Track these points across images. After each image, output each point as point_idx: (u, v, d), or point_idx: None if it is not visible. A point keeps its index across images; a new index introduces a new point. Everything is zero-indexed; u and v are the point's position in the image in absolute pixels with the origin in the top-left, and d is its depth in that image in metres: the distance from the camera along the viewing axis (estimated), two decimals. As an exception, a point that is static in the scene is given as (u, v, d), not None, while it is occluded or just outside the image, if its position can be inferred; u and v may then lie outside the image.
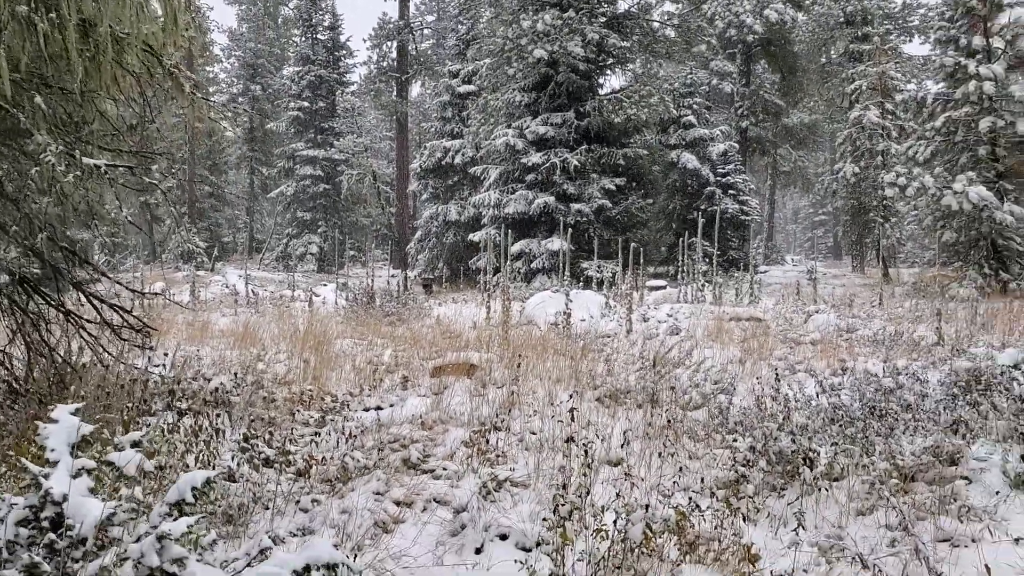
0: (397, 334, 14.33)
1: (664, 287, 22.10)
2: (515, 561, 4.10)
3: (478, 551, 4.45)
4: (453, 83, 34.50)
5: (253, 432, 6.10)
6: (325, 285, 25.91)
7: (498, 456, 5.77)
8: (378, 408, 8.24)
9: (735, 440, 5.24)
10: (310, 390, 8.43)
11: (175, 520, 3.31)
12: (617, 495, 3.74)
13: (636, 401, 7.82)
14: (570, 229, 21.76)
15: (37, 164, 6.32)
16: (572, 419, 4.75)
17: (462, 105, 34.01)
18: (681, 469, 4.52)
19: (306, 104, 41.28)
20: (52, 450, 3.32)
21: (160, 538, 3.11)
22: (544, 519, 3.83)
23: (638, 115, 25.05)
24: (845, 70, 34.02)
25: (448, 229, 33.45)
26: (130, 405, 5.97)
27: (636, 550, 3.43)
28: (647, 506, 3.46)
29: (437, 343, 12.70)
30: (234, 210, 53.08)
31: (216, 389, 7.77)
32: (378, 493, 5.20)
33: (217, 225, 47.63)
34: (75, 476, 3.31)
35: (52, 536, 3.13)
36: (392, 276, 31.41)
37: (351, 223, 43.61)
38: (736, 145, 31.66)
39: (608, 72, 27.65)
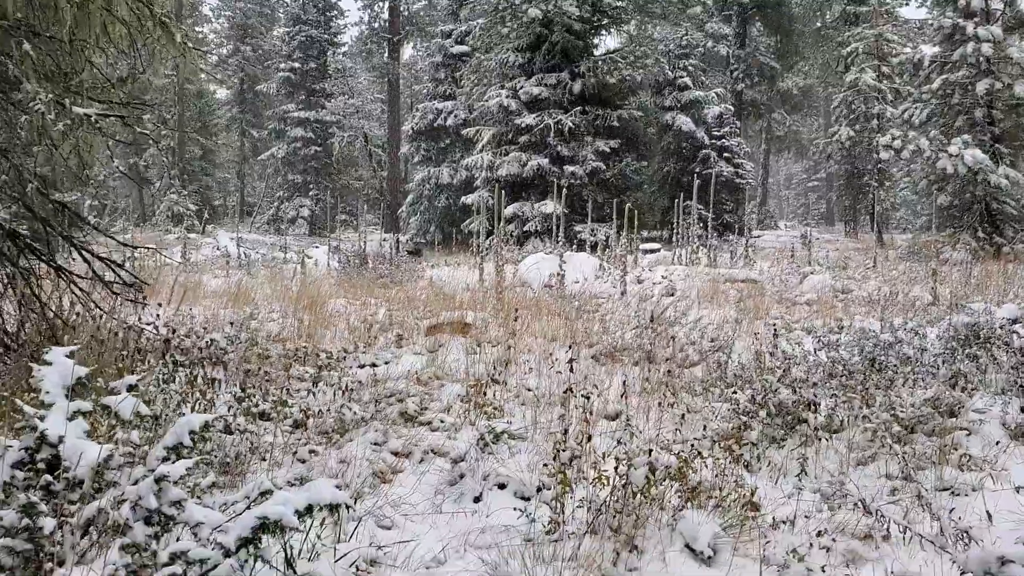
0: (391, 295, 14.26)
1: (658, 250, 22.04)
2: (514, 509, 4.07)
3: (477, 500, 4.43)
4: (446, 43, 34.12)
5: (249, 385, 6.07)
6: (317, 247, 25.77)
7: (496, 409, 5.73)
8: (373, 365, 8.19)
9: (734, 392, 5.21)
10: (304, 347, 8.38)
11: (173, 464, 3.27)
12: (618, 442, 3.71)
13: (632, 359, 7.80)
14: (564, 192, 21.63)
15: (26, 113, 6.21)
16: (571, 370, 4.71)
17: (455, 66, 33.66)
18: (684, 416, 4.49)
19: (297, 65, 40.80)
20: (47, 392, 3.27)
21: (158, 480, 3.07)
22: (545, 465, 3.80)
23: (633, 76, 24.84)
24: (841, 33, 33.76)
25: (440, 192, 33.26)
26: (125, 354, 5.91)
27: (638, 495, 3.40)
28: (650, 451, 3.44)
29: (431, 304, 12.65)
30: (224, 173, 52.62)
31: (210, 344, 7.70)
32: (376, 444, 5.17)
33: (207, 188, 47.21)
34: (71, 419, 3.26)
35: (48, 478, 3.09)
36: (384, 240, 31.18)
37: (342, 186, 43.31)
38: (731, 108, 31.45)
39: (603, 32, 27.38)
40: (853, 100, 28.63)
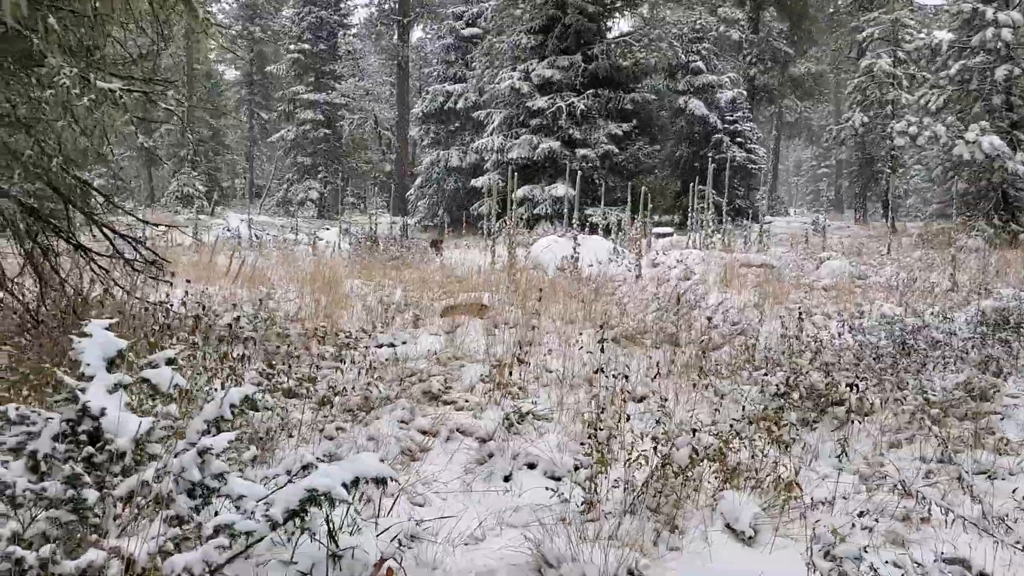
0: (404, 277, 14.25)
1: (671, 234, 21.96)
2: (546, 488, 4.06)
3: (506, 479, 4.42)
4: (457, 25, 33.93)
5: (273, 363, 6.06)
6: (328, 229, 25.79)
7: (520, 390, 5.71)
8: (391, 345, 8.19)
9: (765, 375, 5.18)
10: (323, 327, 8.38)
11: (215, 437, 3.26)
12: (657, 422, 3.68)
13: (653, 341, 7.77)
14: (575, 175, 21.55)
15: (51, 88, 6.17)
16: (602, 350, 4.68)
17: (466, 48, 33.49)
18: (722, 397, 4.46)
19: (307, 46, 40.60)
20: (88, 364, 3.25)
21: (201, 452, 3.06)
22: (583, 443, 3.77)
23: (647, 59, 24.70)
24: (855, 18, 33.47)
25: (449, 175, 33.16)
26: (155, 329, 5.91)
27: (680, 475, 3.38)
28: (694, 431, 3.42)
29: (445, 286, 12.64)
30: (234, 155, 52.54)
31: (230, 324, 7.70)
32: (403, 422, 5.16)
33: (217, 169, 47.13)
34: (111, 391, 3.24)
35: (91, 450, 3.07)
36: (392, 223, 31.16)
37: (351, 169, 43.21)
38: (744, 92, 31.26)
39: (616, 15, 27.20)
40: (867, 86, 28.41)
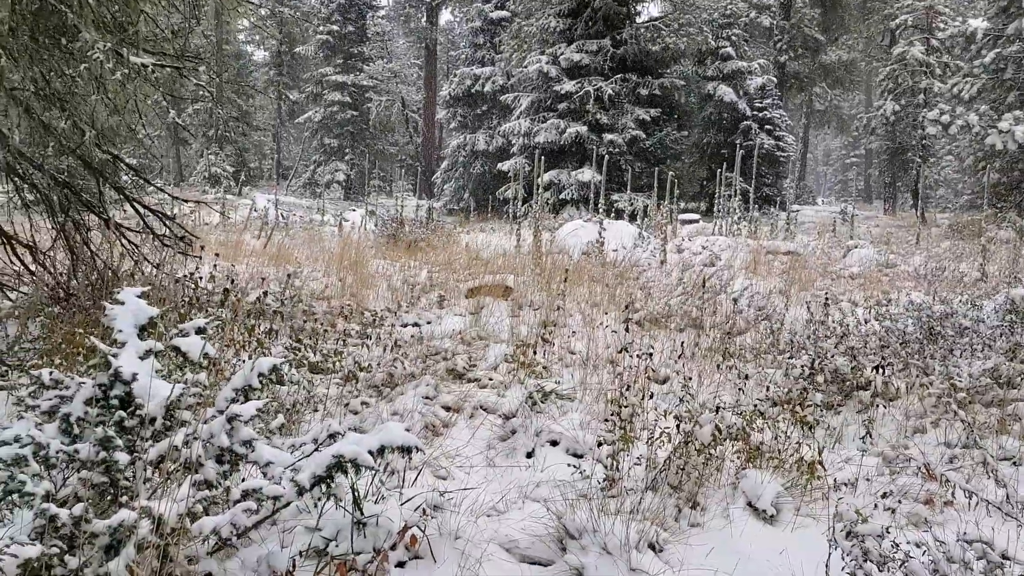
0: (428, 259, 14.32)
1: (697, 221, 21.85)
2: (568, 465, 4.08)
3: (529, 455, 4.45)
4: (485, 8, 33.83)
5: (300, 339, 6.12)
6: (354, 211, 25.88)
7: (544, 369, 5.73)
8: (416, 324, 8.24)
9: (790, 359, 5.17)
10: (348, 305, 8.44)
11: (243, 404, 3.31)
12: (681, 400, 3.69)
13: (678, 325, 7.76)
14: (602, 160, 21.47)
15: (84, 62, 6.24)
16: (627, 330, 4.68)
17: (494, 32, 33.40)
18: (747, 379, 4.46)
19: (335, 28, 40.62)
20: (119, 331, 3.30)
21: (230, 419, 3.11)
22: (606, 419, 3.79)
23: (676, 44, 24.49)
24: (888, 5, 33.00)
25: (476, 159, 33.15)
26: (185, 301, 5.99)
27: (701, 453, 3.39)
28: (717, 409, 3.42)
29: (470, 268, 12.68)
30: (260, 135, 52.74)
31: (257, 300, 7.77)
32: (427, 398, 5.20)
33: (244, 150, 47.36)
34: (143, 357, 3.30)
35: (122, 414, 3.13)
36: (418, 205, 31.19)
37: (377, 151, 43.28)
38: (774, 80, 30.94)
39: None
40: (899, 74, 28.02)
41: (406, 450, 2.85)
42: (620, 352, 4.56)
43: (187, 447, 3.16)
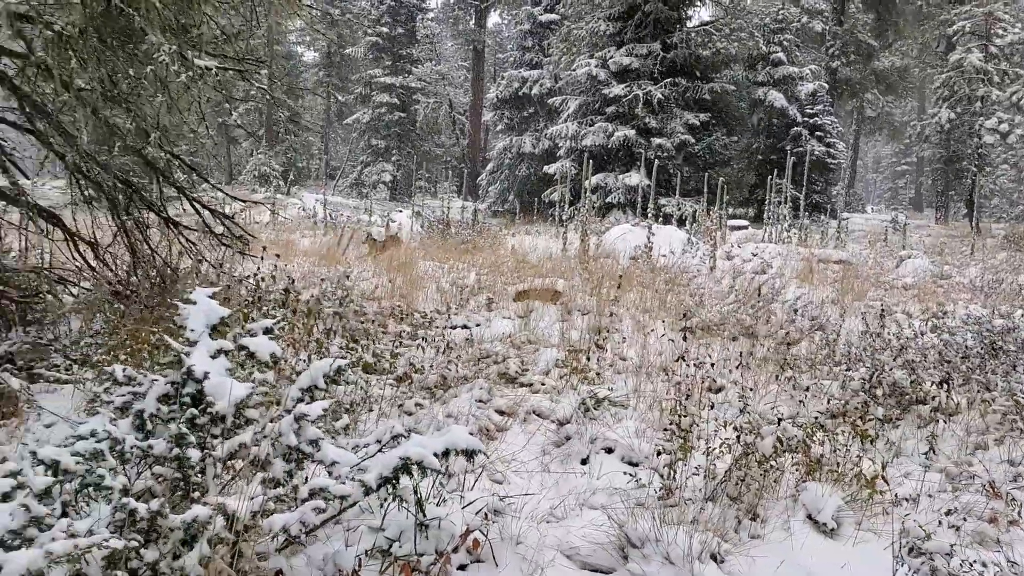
0: (476, 261, 14.38)
1: (746, 227, 21.64)
2: (624, 473, 4.09)
3: (584, 462, 4.46)
4: (535, 11, 33.87)
5: (355, 339, 6.20)
6: (400, 212, 26.06)
7: (597, 375, 5.73)
8: (465, 326, 8.27)
9: (847, 371, 5.12)
10: (399, 306, 8.51)
11: (309, 404, 3.37)
12: (741, 411, 3.67)
13: (730, 334, 7.71)
14: (650, 164, 21.39)
15: (150, 65, 6.38)
16: (684, 338, 4.67)
17: (543, 35, 33.42)
18: (807, 390, 4.43)
19: (385, 30, 40.96)
20: (191, 330, 3.38)
21: (298, 418, 3.17)
22: (666, 429, 3.79)
23: (727, 49, 24.32)
24: (945, 11, 32.39)
25: (521, 161, 33.19)
26: (250, 300, 6.10)
27: (764, 464, 3.38)
28: (779, 420, 3.41)
29: (516, 271, 12.72)
30: (309, 135, 53.36)
31: (308, 300, 7.87)
32: (481, 401, 5.23)
33: (292, 150, 47.98)
34: (213, 356, 3.37)
35: (194, 411, 3.20)
36: (463, 207, 31.32)
37: (423, 153, 43.55)
38: (826, 85, 30.52)
39: (697, 3, 26.82)
40: (956, 81, 27.50)
41: (470, 454, 2.89)
42: (677, 361, 4.55)
43: (256, 445, 3.23)
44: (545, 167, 28.33)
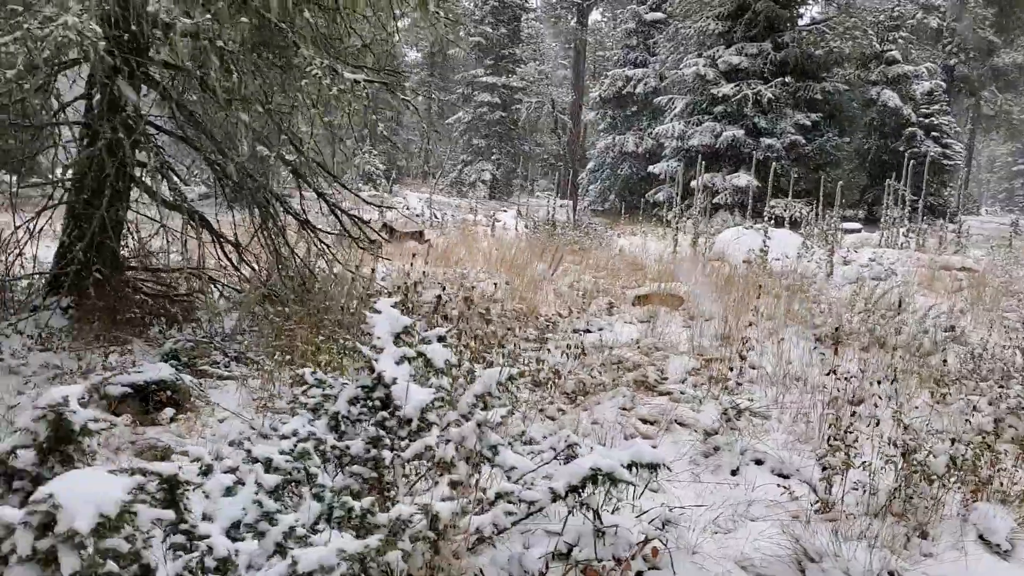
0: (588, 262, 14.47)
1: (859, 230, 21.15)
2: (777, 486, 4.14)
3: (734, 472, 4.52)
4: (640, 10, 33.72)
5: (489, 342, 6.38)
6: (505, 211, 26.37)
7: (739, 384, 5.77)
8: (586, 331, 8.38)
9: (1001, 386, 5.03)
10: (520, 309, 8.67)
11: (488, 411, 3.56)
12: (905, 428, 3.68)
13: (861, 343, 7.62)
14: (759, 165, 21.08)
15: (304, 77, 6.70)
16: (835, 352, 4.69)
17: (647, 33, 33.26)
18: (975, 408, 4.39)
19: (488, 29, 41.36)
20: (378, 338, 3.60)
21: (480, 424, 3.34)
22: (829, 443, 3.83)
23: (841, 48, 23.76)
24: (1073, 4, 30.87)
25: (624, 160, 33.12)
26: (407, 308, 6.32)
27: (937, 482, 3.39)
28: (953, 440, 3.42)
29: (628, 273, 12.76)
30: (409, 135, 54.27)
31: (431, 302, 8.09)
32: (624, 409, 5.34)
33: (394, 149, 48.81)
34: (398, 363, 3.58)
35: (384, 414, 3.41)
36: (562, 206, 31.46)
37: (523, 152, 43.81)
38: (943, 84, 29.48)
39: (809, 1, 26.29)
40: (1084, 78, 26.17)
41: (653, 467, 3.00)
42: (828, 374, 4.56)
43: (439, 447, 3.42)
44: (650, 167, 28.22)
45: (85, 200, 7.25)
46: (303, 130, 8.17)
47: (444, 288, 7.97)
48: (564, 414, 5.39)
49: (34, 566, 1.49)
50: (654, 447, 4.82)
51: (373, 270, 7.93)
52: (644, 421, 5.21)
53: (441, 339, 3.90)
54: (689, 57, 26.47)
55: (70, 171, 8.04)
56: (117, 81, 6.43)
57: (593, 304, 9.59)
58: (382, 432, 3.25)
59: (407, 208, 27.56)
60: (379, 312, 3.69)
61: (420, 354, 3.78)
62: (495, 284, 10.59)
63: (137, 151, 7.57)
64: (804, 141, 24.45)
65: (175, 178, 7.58)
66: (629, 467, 3.01)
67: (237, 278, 8.33)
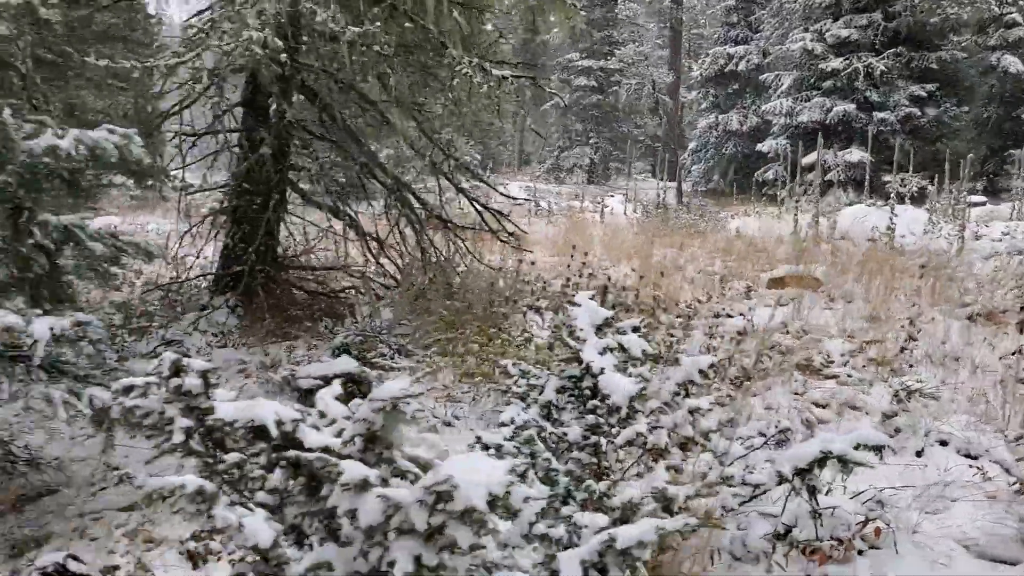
0: (706, 245, 14.39)
1: (984, 203, 20.34)
2: (968, 466, 4.14)
3: (918, 454, 4.53)
4: (741, -14, 33.12)
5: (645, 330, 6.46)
6: (612, 196, 26.33)
7: (910, 366, 5.74)
8: (728, 315, 8.39)
9: None
10: (656, 295, 8.71)
11: (683, 398, 3.68)
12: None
13: (1019, 322, 7.42)
14: (872, 139, 20.47)
15: (455, 77, 6.91)
16: (1021, 331, 4.63)
17: (749, 9, 32.59)
18: None
19: (583, 13, 41.09)
20: (581, 330, 3.76)
21: (691, 411, 3.48)
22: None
23: (958, 15, 22.83)
24: None
25: (728, 139, 32.62)
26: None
27: None
28: None
29: (754, 256, 12.64)
30: (503, 122, 54.31)
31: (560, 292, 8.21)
32: (796, 393, 5.39)
33: (493, 136, 49.08)
34: (601, 353, 3.73)
35: (596, 403, 3.57)
36: (663, 188, 31.15)
37: (620, 135, 43.50)
38: (1069, 45, 27.96)
39: (922, -33, 25.33)
40: None
41: (878, 449, 3.07)
42: (1014, 354, 4.52)
43: (650, 434, 3.56)
44: (759, 145, 27.73)
45: (247, 204, 7.67)
46: (446, 128, 8.44)
47: (568, 280, 8.10)
48: (733, 400, 5.47)
49: (418, 539, 1.69)
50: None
51: (520, 262, 8.13)
52: (816, 405, 5.24)
53: (636, 329, 4.04)
54: (795, 32, 25.86)
55: (225, 176, 8.50)
56: (274, 89, 6.78)
57: (729, 288, 9.58)
58: (600, 420, 3.41)
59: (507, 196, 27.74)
60: (578, 305, 3.85)
61: (619, 345, 3.94)
62: (616, 270, 10.70)
63: (293, 155, 7.96)
64: (919, 113, 23.62)
65: (323, 180, 7.94)
66: (856, 447, 3.09)
67: (382, 275, 8.64)
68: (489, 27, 7.49)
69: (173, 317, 7.40)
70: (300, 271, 8.27)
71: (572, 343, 3.71)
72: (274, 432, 2.12)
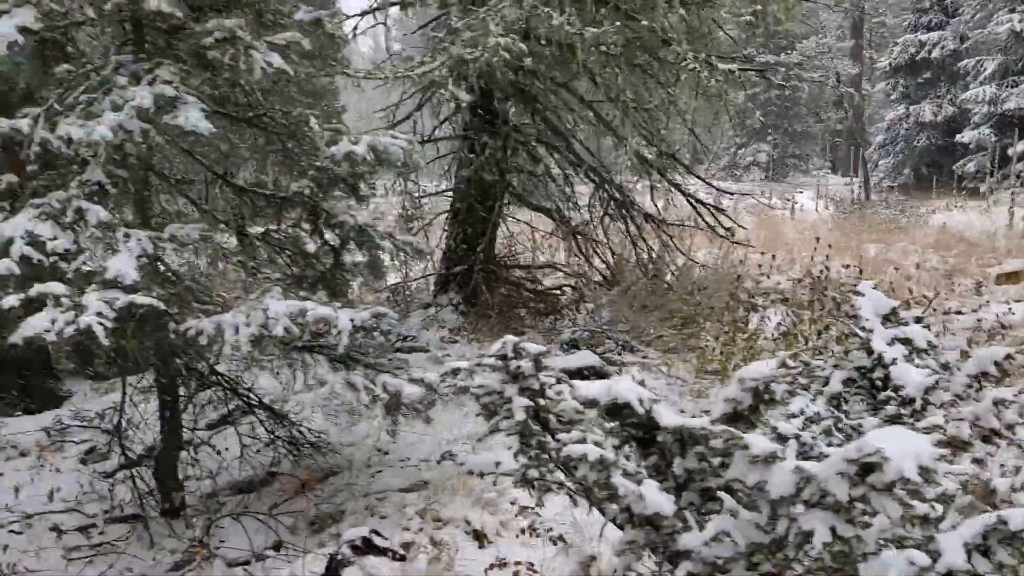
0: (914, 240, 13.74)
1: None
2: None
3: None
4: (937, -31, 31.21)
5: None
6: (801, 192, 25.49)
7: None
8: (958, 312, 8.01)
9: None
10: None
11: (977, 390, 3.53)
12: None
13: None
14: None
15: (681, 73, 6.91)
16: None
17: (944, -8, 30.71)
18: None
19: (759, 7, 40.02)
20: (866, 320, 3.69)
21: (996, 403, 3.34)
22: None
23: None
24: None
25: (920, 131, 30.80)
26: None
27: None
28: None
29: (967, 251, 11.96)
30: (672, 121, 53.63)
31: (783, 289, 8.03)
32: (1071, 390, 5.05)
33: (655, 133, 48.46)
34: (889, 344, 3.65)
35: (888, 394, 3.50)
36: (845, 185, 29.84)
37: (800, 131, 42.00)
38: None
39: None
40: None
41: None
42: None
43: (948, 425, 3.44)
44: (958, 136, 26.06)
45: (468, 206, 7.96)
46: (662, 123, 8.46)
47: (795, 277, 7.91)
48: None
49: (829, 511, 1.72)
50: None
51: (742, 261, 8.06)
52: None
53: (918, 320, 3.92)
54: (1000, 13, 24.10)
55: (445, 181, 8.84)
56: (509, 91, 7.00)
57: (956, 284, 9.11)
58: (901, 410, 3.34)
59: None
60: (862, 294, 3.78)
61: (906, 338, 3.83)
62: (837, 269, 10.36)
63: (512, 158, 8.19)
64: None
65: (552, 186, 8.13)
66: None
67: (591, 272, 8.75)
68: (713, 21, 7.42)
69: (404, 314, 7.79)
70: (517, 270, 8.50)
71: (861, 333, 3.65)
72: (640, 410, 2.22)
